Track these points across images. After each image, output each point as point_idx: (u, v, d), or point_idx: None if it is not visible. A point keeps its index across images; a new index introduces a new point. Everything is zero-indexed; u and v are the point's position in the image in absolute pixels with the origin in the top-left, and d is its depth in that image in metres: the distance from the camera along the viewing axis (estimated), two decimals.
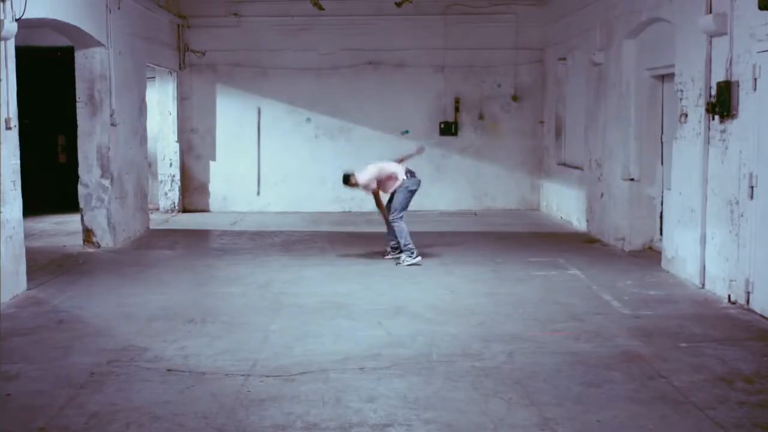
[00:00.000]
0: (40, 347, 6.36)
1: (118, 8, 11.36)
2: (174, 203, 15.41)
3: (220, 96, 15.65)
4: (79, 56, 10.95)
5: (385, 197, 10.32)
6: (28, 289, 8.32)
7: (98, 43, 10.78)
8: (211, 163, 15.76)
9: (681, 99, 8.90)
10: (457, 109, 15.66)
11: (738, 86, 7.61)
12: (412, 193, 10.10)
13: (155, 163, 15.56)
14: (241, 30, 15.50)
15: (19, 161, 8.27)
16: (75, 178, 11.19)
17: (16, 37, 8.03)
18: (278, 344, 6.43)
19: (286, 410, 4.96)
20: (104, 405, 5.06)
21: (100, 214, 11.06)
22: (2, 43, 7.81)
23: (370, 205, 13.68)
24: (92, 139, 11.03)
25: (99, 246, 11.03)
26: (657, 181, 10.62)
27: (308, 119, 15.65)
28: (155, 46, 13.74)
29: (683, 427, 4.72)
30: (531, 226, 13.53)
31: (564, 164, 14.42)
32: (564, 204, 14.19)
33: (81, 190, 11.06)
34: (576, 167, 13.56)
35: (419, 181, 10.21)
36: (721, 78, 7.89)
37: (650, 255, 10.25)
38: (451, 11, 15.39)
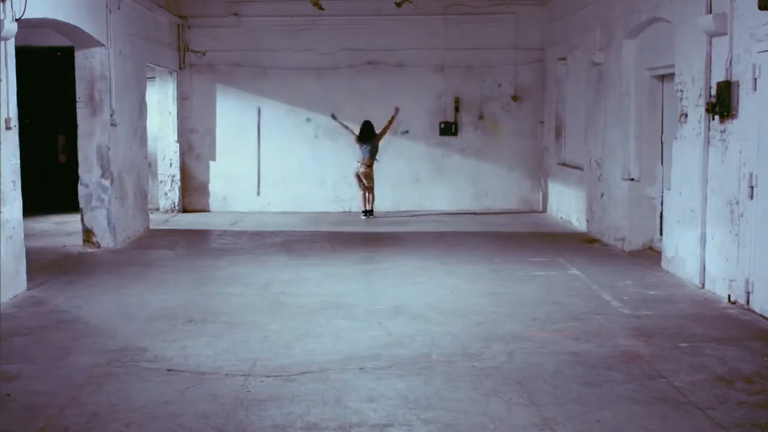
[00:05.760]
0: (40, 347, 6.36)
1: (118, 8, 11.36)
2: (174, 203, 15.41)
3: (220, 96, 15.65)
4: (79, 56, 10.94)
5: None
6: (28, 289, 8.32)
7: (98, 43, 10.78)
8: (211, 163, 15.76)
9: (681, 99, 8.90)
10: (457, 109, 15.66)
11: (738, 86, 7.61)
12: None
13: (155, 163, 15.55)
14: (241, 30, 15.49)
15: (19, 161, 8.27)
16: (75, 178, 11.19)
17: (16, 37, 8.03)
18: (278, 344, 6.42)
19: (286, 410, 4.96)
20: (104, 405, 5.05)
21: (100, 214, 11.06)
22: (2, 43, 7.81)
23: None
24: (92, 139, 11.03)
25: (99, 246, 11.03)
26: (657, 181, 10.61)
27: (308, 119, 15.65)
28: (155, 46, 13.74)
29: (683, 427, 4.72)
30: (531, 226, 13.53)
31: (564, 164, 14.43)
32: (564, 204, 14.19)
33: (81, 190, 11.06)
34: (576, 167, 13.56)
35: None
36: (721, 78, 7.89)
37: (650, 255, 10.24)
38: (451, 11, 15.39)
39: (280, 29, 15.48)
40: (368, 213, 14.60)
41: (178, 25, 15.26)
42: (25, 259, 8.42)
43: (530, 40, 15.55)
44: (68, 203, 13.79)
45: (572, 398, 5.17)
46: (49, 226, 13.25)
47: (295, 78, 15.58)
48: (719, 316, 7.32)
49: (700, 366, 5.81)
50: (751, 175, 7.36)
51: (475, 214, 15.19)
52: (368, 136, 14.38)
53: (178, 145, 15.37)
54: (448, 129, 15.65)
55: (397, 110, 14.45)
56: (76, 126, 11.08)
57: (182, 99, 15.46)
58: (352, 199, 15.41)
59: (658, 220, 10.52)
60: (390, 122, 14.47)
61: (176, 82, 15.30)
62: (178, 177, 15.39)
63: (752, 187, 7.34)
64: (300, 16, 15.15)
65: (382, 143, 14.64)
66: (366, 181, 14.47)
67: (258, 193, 15.79)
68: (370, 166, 14.45)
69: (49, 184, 15.86)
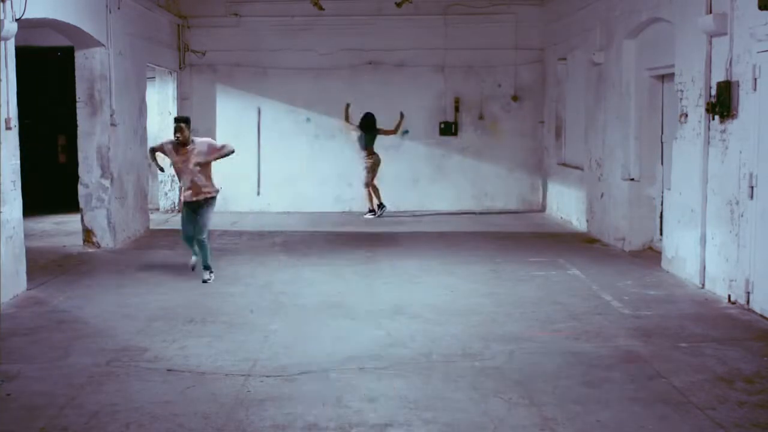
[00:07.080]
0: (40, 347, 6.36)
1: (118, 8, 11.36)
2: (174, 203, 15.40)
3: (220, 96, 15.64)
4: (79, 56, 10.94)
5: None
6: (28, 289, 8.32)
7: (98, 43, 10.78)
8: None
9: (681, 99, 8.91)
10: (457, 109, 15.65)
11: (738, 86, 7.61)
12: None
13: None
14: (241, 30, 15.49)
15: (19, 161, 8.27)
16: (75, 178, 11.19)
17: (16, 37, 8.03)
18: (278, 344, 6.43)
19: (286, 410, 4.96)
20: (104, 405, 5.06)
21: (100, 214, 11.06)
22: (2, 43, 7.81)
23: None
24: (92, 139, 11.03)
25: (99, 246, 11.03)
26: (657, 181, 10.62)
27: (308, 119, 15.64)
28: (155, 46, 13.74)
29: (683, 427, 4.72)
30: (531, 226, 13.53)
31: (564, 164, 14.43)
32: (564, 204, 14.19)
33: (81, 190, 11.06)
34: (576, 167, 13.56)
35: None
36: (721, 78, 7.89)
37: (650, 255, 10.24)
38: (451, 11, 15.39)
39: (280, 29, 15.48)
40: (371, 211, 14.64)
41: (178, 25, 15.25)
42: (25, 259, 8.42)
43: (530, 40, 15.54)
44: (68, 203, 13.78)
45: (572, 398, 5.17)
46: (49, 226, 13.25)
47: (295, 78, 15.58)
48: (719, 316, 7.32)
49: (700, 366, 5.81)
50: (751, 175, 7.36)
51: (475, 214, 15.19)
52: (364, 126, 14.48)
53: None
54: (448, 129, 15.65)
55: (402, 116, 14.56)
56: (76, 126, 11.09)
57: (182, 99, 15.45)
58: (352, 199, 15.40)
59: (658, 220, 10.53)
60: (396, 128, 14.66)
61: (176, 82, 15.29)
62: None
63: (752, 187, 7.34)
64: (300, 16, 15.15)
65: (384, 141, 14.70)
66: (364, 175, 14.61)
67: (258, 193, 15.78)
68: (367, 156, 14.52)
69: (49, 184, 15.85)
